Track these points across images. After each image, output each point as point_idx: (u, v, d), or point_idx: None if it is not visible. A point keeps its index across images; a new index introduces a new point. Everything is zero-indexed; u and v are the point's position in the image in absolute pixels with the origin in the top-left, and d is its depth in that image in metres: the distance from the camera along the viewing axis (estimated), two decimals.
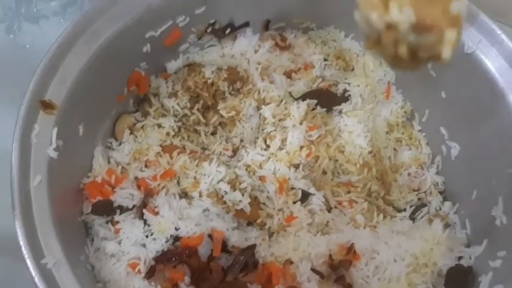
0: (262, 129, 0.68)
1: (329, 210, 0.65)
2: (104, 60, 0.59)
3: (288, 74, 0.73)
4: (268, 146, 0.67)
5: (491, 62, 0.59)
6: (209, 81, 0.69)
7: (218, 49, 0.73)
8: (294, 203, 0.63)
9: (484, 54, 0.59)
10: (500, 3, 1.03)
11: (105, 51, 0.59)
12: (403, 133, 0.75)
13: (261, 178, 0.65)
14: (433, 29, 0.34)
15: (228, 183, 0.62)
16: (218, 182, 0.62)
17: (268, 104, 0.69)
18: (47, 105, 0.54)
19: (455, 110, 0.66)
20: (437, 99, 0.68)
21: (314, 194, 0.63)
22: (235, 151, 0.69)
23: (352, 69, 0.73)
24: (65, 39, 0.56)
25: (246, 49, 0.73)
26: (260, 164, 0.66)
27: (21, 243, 0.47)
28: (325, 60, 0.73)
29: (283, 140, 0.67)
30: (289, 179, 0.64)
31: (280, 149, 0.67)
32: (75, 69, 0.56)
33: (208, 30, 0.70)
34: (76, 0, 0.91)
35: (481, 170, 0.63)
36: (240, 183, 0.62)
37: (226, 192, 0.62)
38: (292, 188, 0.64)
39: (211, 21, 0.69)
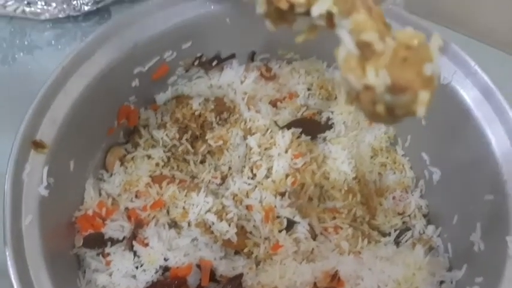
0: (249, 158, 0.70)
1: (314, 238, 0.66)
2: (94, 98, 0.61)
3: (274, 103, 0.75)
4: (254, 175, 0.69)
5: (466, 93, 0.61)
6: (196, 113, 0.71)
7: (205, 80, 0.75)
8: (280, 231, 0.65)
9: (459, 85, 0.62)
10: (483, 24, 1.06)
11: (95, 89, 0.61)
12: (387, 157, 0.77)
13: (248, 207, 0.66)
14: (408, 91, 0.36)
15: (215, 214, 0.64)
16: (206, 213, 0.64)
17: (254, 133, 0.71)
18: (38, 145, 0.56)
19: (435, 137, 0.68)
20: (418, 127, 0.70)
21: (299, 223, 0.65)
22: (223, 178, 0.71)
23: (335, 98, 0.75)
24: (55, 79, 0.58)
25: (233, 80, 0.75)
26: (247, 193, 0.67)
27: (13, 281, 0.49)
28: (308, 89, 0.75)
29: (269, 169, 0.69)
30: (275, 207, 0.66)
31: (267, 177, 0.69)
32: (65, 108, 0.59)
33: (196, 63, 0.72)
34: (69, 30, 0.94)
35: (460, 195, 0.65)
36: (226, 214, 0.64)
37: (213, 223, 0.64)
38: (278, 217, 0.66)
39: (198, 54, 0.72)
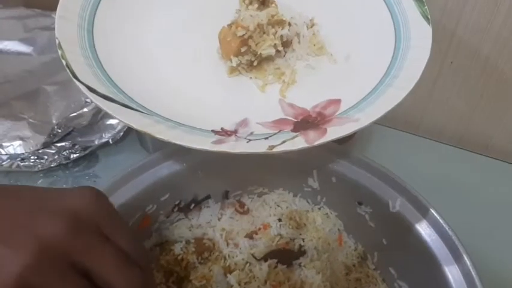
0: None
1: None
2: None
3: (250, 236, 0.82)
4: None
5: (413, 220, 0.69)
6: (179, 257, 0.78)
7: (186, 221, 0.83)
8: None
9: (405, 213, 0.69)
10: (431, 125, 1.17)
11: None
12: (361, 272, 0.83)
13: None
14: None
15: None
16: None
17: (233, 270, 0.77)
18: None
19: (396, 255, 0.75)
20: (381, 245, 0.77)
21: None
22: None
23: (305, 225, 0.82)
24: None
25: (211, 218, 0.83)
26: None
27: None
28: (279, 220, 0.83)
29: None
30: None
31: None
32: None
33: (175, 210, 0.80)
34: (61, 178, 1.03)
35: None
36: None
37: None
38: None
39: (176, 202, 0.80)
